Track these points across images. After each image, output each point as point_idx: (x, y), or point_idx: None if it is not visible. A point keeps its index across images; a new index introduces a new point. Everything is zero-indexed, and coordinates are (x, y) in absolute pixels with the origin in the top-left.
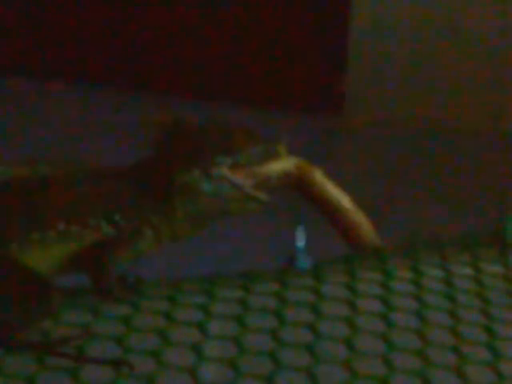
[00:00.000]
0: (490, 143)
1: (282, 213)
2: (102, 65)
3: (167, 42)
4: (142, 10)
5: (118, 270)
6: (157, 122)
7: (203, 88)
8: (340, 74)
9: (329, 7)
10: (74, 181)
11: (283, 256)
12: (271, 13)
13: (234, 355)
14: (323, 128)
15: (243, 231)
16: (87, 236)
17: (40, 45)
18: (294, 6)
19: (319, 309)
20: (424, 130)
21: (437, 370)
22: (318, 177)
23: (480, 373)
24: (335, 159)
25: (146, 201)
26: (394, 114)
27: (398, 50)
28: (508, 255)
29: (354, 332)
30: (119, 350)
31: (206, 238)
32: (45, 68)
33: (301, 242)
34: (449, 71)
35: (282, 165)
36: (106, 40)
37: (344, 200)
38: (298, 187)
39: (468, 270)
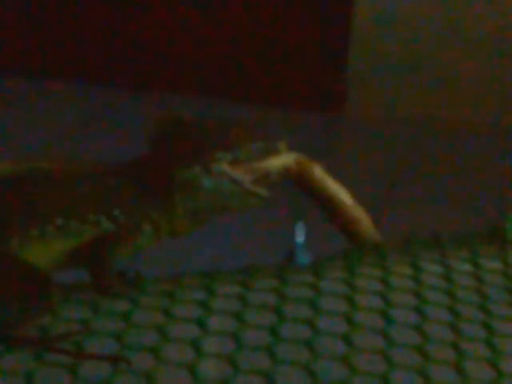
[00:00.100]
0: (490, 142)
1: (282, 208)
2: (102, 65)
3: (167, 42)
4: (142, 10)
5: (118, 265)
6: (156, 118)
7: (203, 87)
8: (340, 74)
9: (329, 7)
10: (73, 177)
11: (283, 252)
12: (271, 12)
13: (233, 351)
14: (323, 127)
15: (243, 227)
16: (86, 232)
17: (40, 45)
18: (294, 5)
19: (318, 305)
20: (424, 129)
21: (436, 366)
22: (318, 172)
23: (479, 369)
24: (335, 157)
25: (146, 197)
26: (394, 112)
27: (398, 50)
28: (507, 252)
29: (353, 328)
30: (118, 346)
31: (206, 234)
32: (45, 68)
33: (300, 237)
34: (449, 71)
35: (282, 160)
36: (106, 40)
37: (343, 196)
38: (297, 183)
39: (467, 267)
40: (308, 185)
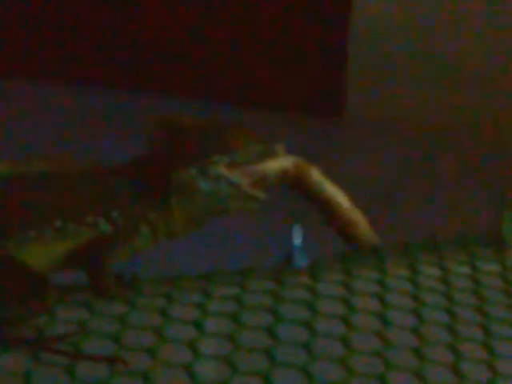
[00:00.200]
0: (490, 143)
1: (279, 211)
2: (101, 65)
3: (167, 42)
4: (142, 10)
5: (115, 267)
6: (154, 120)
7: (203, 88)
8: (340, 75)
9: (329, 7)
10: (71, 178)
11: (280, 254)
12: (271, 13)
13: (229, 353)
14: (322, 128)
15: (240, 229)
16: (84, 233)
17: (40, 45)
18: (294, 6)
19: (315, 307)
20: (424, 129)
21: (433, 368)
22: (315, 175)
23: (476, 371)
24: (334, 159)
25: (143, 198)
26: (394, 113)
27: (398, 50)
28: (504, 254)
29: (350, 330)
30: (115, 347)
31: (203, 236)
32: (45, 68)
33: (297, 240)
34: (449, 71)
35: (280, 163)
36: (106, 40)
37: (341, 198)
38: (295, 186)
39: (465, 269)
40: (305, 188)
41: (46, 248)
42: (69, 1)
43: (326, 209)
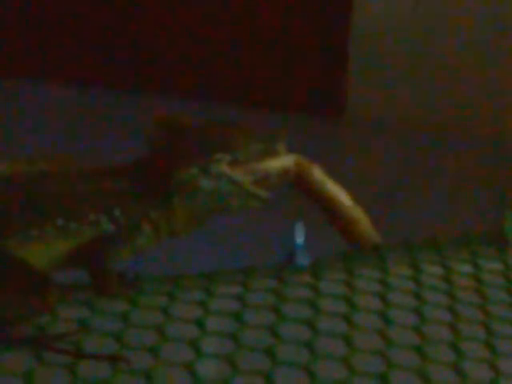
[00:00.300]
0: (490, 143)
1: (281, 210)
2: (101, 65)
3: (167, 42)
4: (142, 10)
5: (117, 266)
6: (155, 119)
7: (203, 88)
8: (340, 75)
9: (329, 7)
10: (73, 177)
11: (282, 253)
12: (271, 13)
13: (231, 351)
14: (323, 128)
15: (242, 228)
16: (86, 232)
17: (40, 45)
18: (294, 6)
19: (317, 305)
20: (424, 129)
21: (435, 367)
22: (317, 174)
23: (478, 369)
24: (334, 159)
25: (145, 197)
26: (394, 114)
27: (398, 50)
28: (507, 252)
29: (352, 329)
30: (117, 346)
31: (205, 235)
32: (45, 68)
33: (300, 238)
34: (449, 71)
35: (281, 162)
36: (106, 40)
37: (343, 197)
38: (296, 184)
39: (467, 267)
40: (307, 186)
41: (47, 247)
42: (69, 1)
43: (328, 207)
